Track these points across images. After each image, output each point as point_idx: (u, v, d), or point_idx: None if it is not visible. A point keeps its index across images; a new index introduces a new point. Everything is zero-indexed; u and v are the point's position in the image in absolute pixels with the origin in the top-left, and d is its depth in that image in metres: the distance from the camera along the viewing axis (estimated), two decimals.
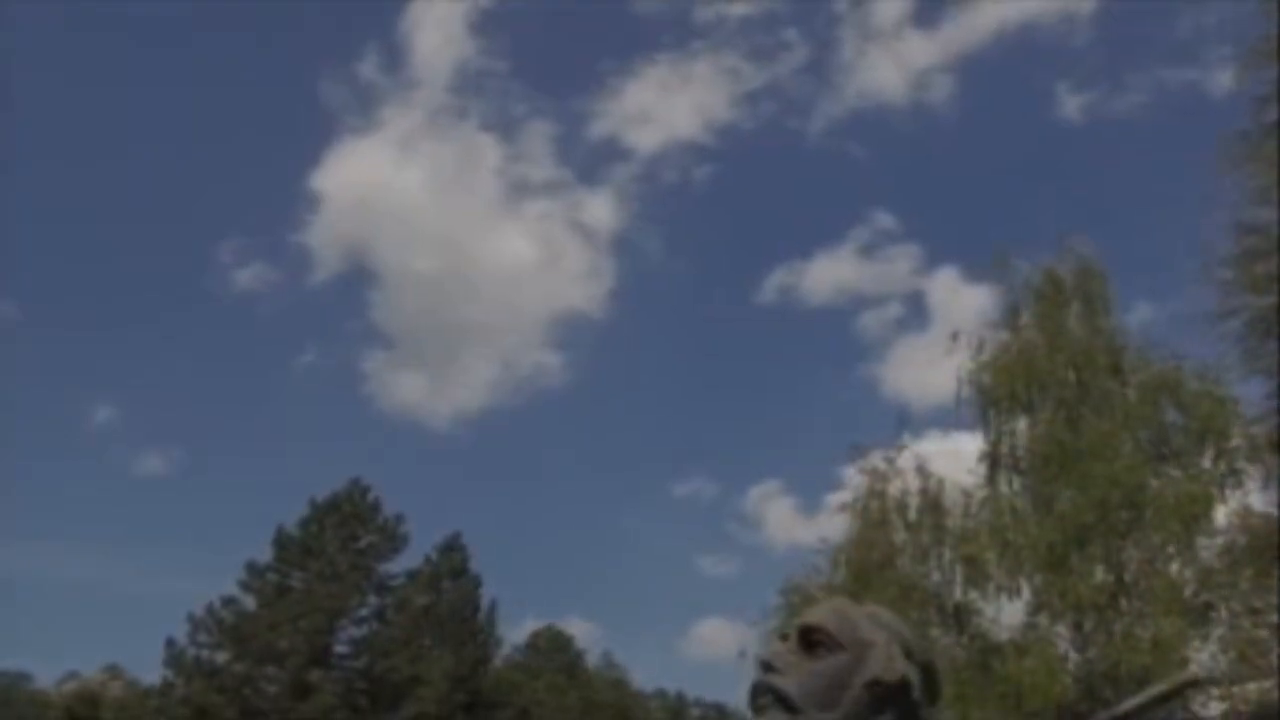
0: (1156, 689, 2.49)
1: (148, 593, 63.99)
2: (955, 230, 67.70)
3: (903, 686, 2.13)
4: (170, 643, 30.52)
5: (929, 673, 2.21)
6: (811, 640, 2.16)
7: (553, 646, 46.27)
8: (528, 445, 69.01)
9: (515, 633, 44.60)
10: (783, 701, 2.10)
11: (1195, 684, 2.48)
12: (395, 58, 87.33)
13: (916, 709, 2.16)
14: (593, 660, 49.81)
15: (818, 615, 2.22)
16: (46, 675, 45.34)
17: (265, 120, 70.62)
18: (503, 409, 66.65)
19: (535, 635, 46.36)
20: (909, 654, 2.20)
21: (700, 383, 74.25)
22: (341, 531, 32.73)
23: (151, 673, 32.60)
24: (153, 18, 71.44)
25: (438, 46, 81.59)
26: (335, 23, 78.50)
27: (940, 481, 15.86)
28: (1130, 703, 2.47)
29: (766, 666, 2.16)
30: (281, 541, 32.41)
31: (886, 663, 2.14)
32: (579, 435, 69.96)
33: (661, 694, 57.59)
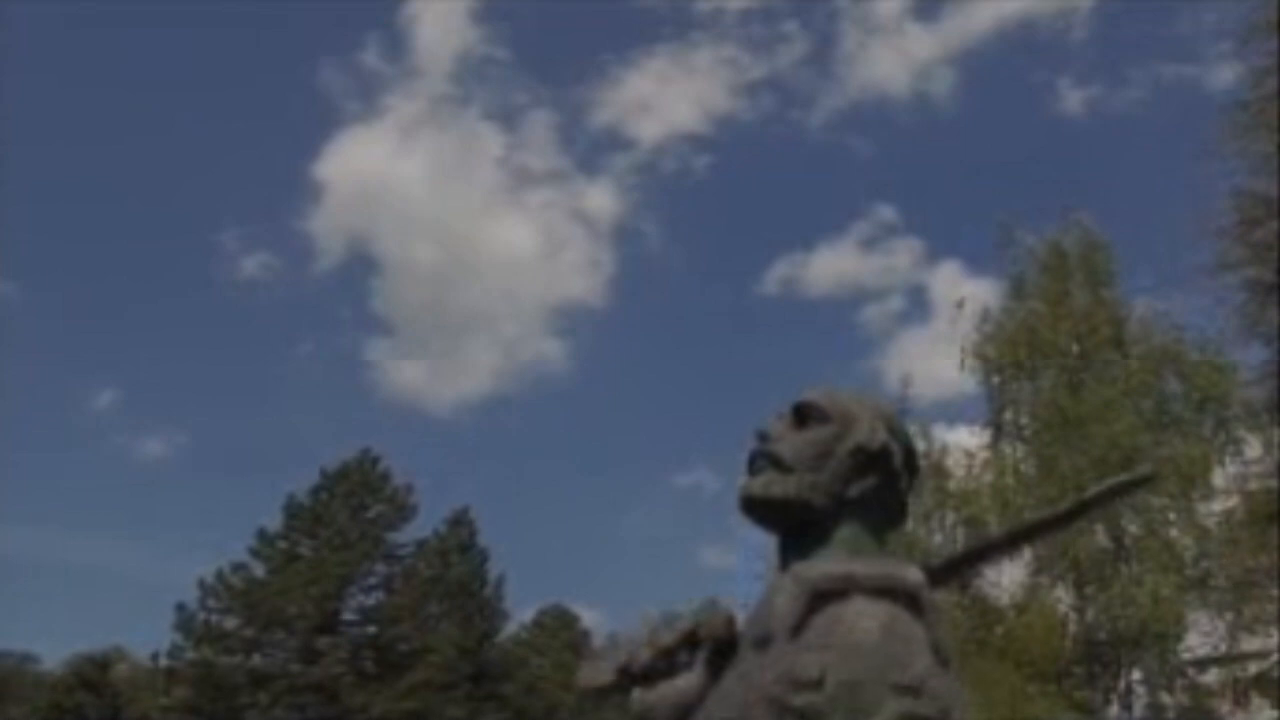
0: (1115, 480, 2.72)
1: (149, 577, 64.53)
2: (957, 224, 67.61)
3: (884, 454, 2.37)
4: (181, 607, 30.92)
5: (909, 451, 2.45)
6: (803, 415, 2.40)
7: (558, 625, 46.50)
8: (529, 435, 69.12)
9: (518, 615, 44.74)
10: (776, 463, 2.34)
11: (1150, 479, 2.68)
12: (397, 46, 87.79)
13: (896, 477, 2.39)
14: (599, 641, 50.08)
15: (810, 394, 2.46)
16: (52, 658, 45.58)
17: (268, 109, 70.72)
18: (504, 398, 66.78)
19: (541, 613, 46.62)
20: (892, 431, 2.43)
21: (702, 374, 74.26)
22: (351, 500, 33.09)
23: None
24: (156, 8, 71.86)
25: (439, 35, 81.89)
26: (337, 12, 78.67)
27: (944, 446, 16.10)
28: (1091, 492, 2.71)
29: (762, 437, 2.40)
30: (292, 510, 32.77)
31: (870, 433, 2.37)
32: (581, 426, 70.03)
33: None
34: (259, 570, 31.80)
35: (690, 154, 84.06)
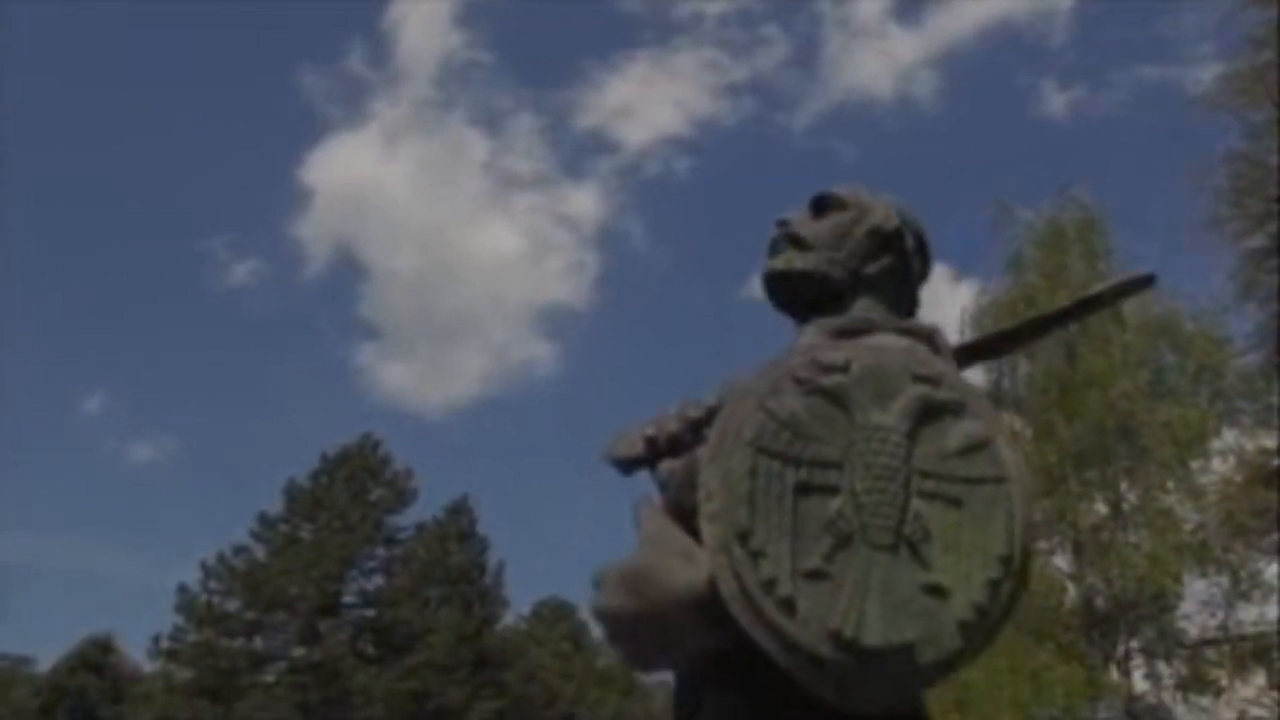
0: (1118, 279, 2.85)
1: (142, 581, 64.59)
2: (942, 226, 67.54)
3: (898, 235, 2.50)
4: (183, 588, 31.09)
5: (921, 240, 2.58)
6: (821, 206, 2.53)
7: (556, 616, 46.57)
8: (519, 436, 69.15)
9: (515, 609, 44.73)
10: (796, 242, 2.46)
11: (1151, 281, 2.74)
12: (380, 52, 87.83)
13: (909, 257, 2.52)
14: (597, 633, 49.88)
15: (827, 188, 2.58)
16: (47, 662, 45.48)
17: (254, 116, 70.43)
18: (493, 400, 66.82)
19: (540, 605, 46.73)
20: (905, 220, 2.56)
21: (689, 374, 74.26)
22: (352, 484, 33.26)
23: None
24: (132, 14, 71.96)
25: (422, 40, 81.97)
26: (320, 18, 78.69)
27: None
28: (1094, 289, 2.84)
29: (783, 223, 2.52)
30: (292, 493, 32.97)
31: (885, 217, 2.50)
32: (570, 427, 70.03)
33: (665, 685, 57.89)
34: (260, 553, 31.99)
35: (673, 156, 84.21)
